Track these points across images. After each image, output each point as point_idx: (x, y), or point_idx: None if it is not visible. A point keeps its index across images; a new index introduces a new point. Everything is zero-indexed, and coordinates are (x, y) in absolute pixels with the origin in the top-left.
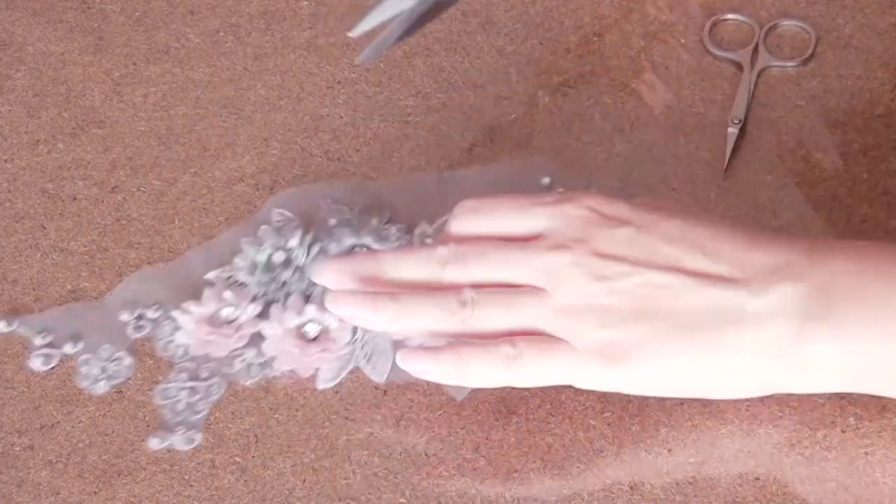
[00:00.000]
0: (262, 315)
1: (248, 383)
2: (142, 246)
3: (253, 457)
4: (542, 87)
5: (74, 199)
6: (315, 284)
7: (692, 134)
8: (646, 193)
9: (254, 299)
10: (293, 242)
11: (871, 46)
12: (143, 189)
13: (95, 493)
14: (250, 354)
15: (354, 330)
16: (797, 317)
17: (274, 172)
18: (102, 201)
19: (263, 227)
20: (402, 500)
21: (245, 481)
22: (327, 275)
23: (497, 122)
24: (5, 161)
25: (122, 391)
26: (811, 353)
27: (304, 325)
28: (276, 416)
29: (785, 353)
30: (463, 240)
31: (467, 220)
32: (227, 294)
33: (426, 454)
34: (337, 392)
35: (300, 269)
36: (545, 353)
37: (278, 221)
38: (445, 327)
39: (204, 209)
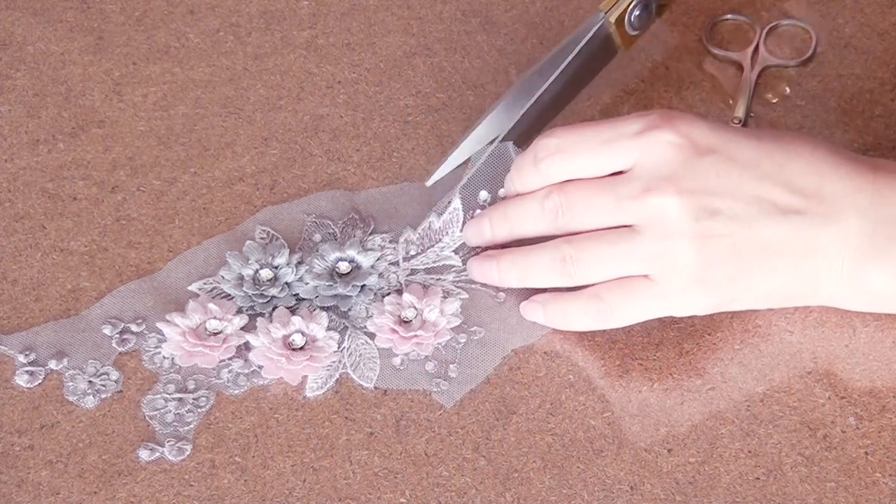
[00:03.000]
0: (248, 327)
1: (235, 393)
2: (142, 246)
3: (253, 457)
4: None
5: (74, 199)
6: (301, 299)
7: None
8: None
9: (239, 311)
10: (280, 260)
11: (871, 46)
12: (143, 189)
13: (95, 493)
14: (237, 365)
15: (341, 339)
16: (860, 249)
17: (274, 172)
18: (102, 201)
19: (248, 242)
20: (402, 500)
21: (245, 481)
22: (475, 242)
23: None
24: (5, 161)
25: (122, 391)
26: (870, 281)
27: (290, 335)
28: (276, 416)
29: (845, 278)
30: (563, 187)
31: (555, 163)
32: (212, 306)
33: (426, 454)
34: (337, 392)
35: (288, 286)
36: (631, 297)
37: (262, 238)
38: (560, 283)
39: (204, 209)
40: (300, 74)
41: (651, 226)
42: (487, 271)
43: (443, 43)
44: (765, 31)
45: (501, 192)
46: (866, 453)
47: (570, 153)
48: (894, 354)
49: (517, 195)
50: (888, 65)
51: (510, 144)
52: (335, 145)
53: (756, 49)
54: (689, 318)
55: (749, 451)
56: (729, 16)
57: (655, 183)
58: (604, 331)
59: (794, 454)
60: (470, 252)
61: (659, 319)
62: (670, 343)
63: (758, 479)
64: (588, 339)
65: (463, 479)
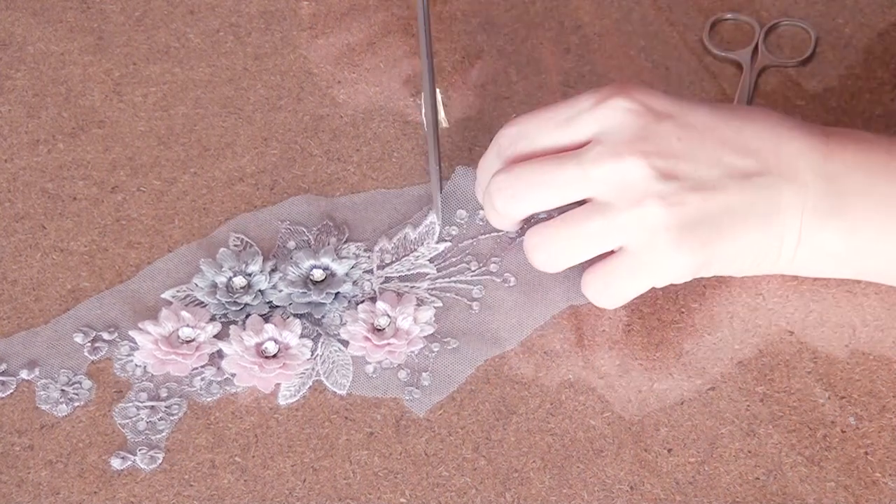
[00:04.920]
0: (221, 335)
1: (208, 401)
2: (142, 246)
3: (253, 457)
4: (542, 87)
5: (74, 199)
6: (274, 306)
7: None
8: None
9: (212, 319)
10: (254, 268)
11: (871, 46)
12: (143, 189)
13: (95, 493)
14: (210, 372)
15: (314, 346)
16: (815, 208)
17: (274, 172)
18: (102, 201)
19: (222, 249)
20: (402, 500)
21: (245, 481)
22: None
23: (497, 122)
24: (5, 161)
25: (121, 391)
26: (824, 240)
27: (263, 342)
28: (276, 416)
29: (803, 239)
30: (516, 163)
31: (518, 149)
32: (185, 314)
33: (426, 454)
34: (336, 392)
35: (261, 294)
36: (611, 277)
37: (236, 245)
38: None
39: (204, 209)
40: (300, 74)
41: (619, 193)
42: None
43: (443, 43)
44: (764, 31)
45: (482, 213)
46: (866, 453)
47: (530, 137)
48: (894, 354)
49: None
50: (888, 65)
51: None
52: (335, 145)
53: (756, 49)
54: (690, 318)
55: (749, 451)
56: (729, 16)
57: (619, 148)
58: (604, 330)
59: (794, 454)
60: (446, 261)
61: (658, 319)
62: (670, 343)
63: (758, 479)
64: (588, 339)
65: (463, 479)
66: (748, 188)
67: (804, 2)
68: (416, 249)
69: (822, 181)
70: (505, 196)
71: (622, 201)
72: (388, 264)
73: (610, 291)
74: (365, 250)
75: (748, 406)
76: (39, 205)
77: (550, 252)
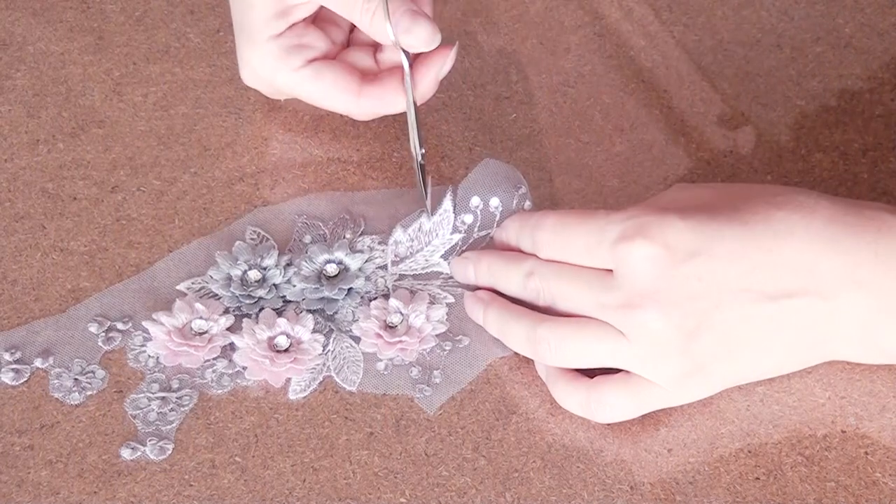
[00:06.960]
0: (234, 328)
1: (219, 393)
2: (142, 246)
3: (253, 457)
4: (542, 87)
5: (74, 199)
6: (288, 301)
7: (692, 133)
8: (645, 194)
9: (226, 312)
10: (269, 262)
11: (871, 46)
12: (143, 189)
13: (95, 493)
14: (222, 365)
15: (326, 342)
16: (868, 321)
17: (274, 172)
18: (102, 201)
19: (238, 242)
20: (402, 500)
21: (245, 481)
22: (460, 280)
23: (497, 122)
24: (5, 161)
25: (121, 391)
26: (878, 345)
27: (275, 336)
28: (276, 416)
29: (856, 341)
30: (545, 274)
31: (544, 249)
32: (199, 306)
33: (426, 454)
34: (337, 392)
35: (275, 288)
36: (628, 392)
37: (252, 239)
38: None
39: (204, 209)
40: None
41: (635, 336)
42: (475, 312)
43: (442, 43)
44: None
45: (494, 200)
46: (866, 453)
47: (559, 248)
48: None
49: (505, 243)
50: (888, 65)
51: (505, 164)
52: (335, 145)
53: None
54: None
55: (749, 451)
56: None
57: (636, 299)
58: None
59: (794, 454)
60: (457, 255)
61: None
62: None
63: (758, 479)
64: None
65: (463, 479)
66: (777, 312)
67: (804, 2)
68: (430, 242)
69: (873, 298)
70: (537, 292)
71: (637, 341)
72: (402, 259)
73: (608, 410)
74: (379, 243)
75: (748, 406)
76: (39, 205)
77: (560, 351)
